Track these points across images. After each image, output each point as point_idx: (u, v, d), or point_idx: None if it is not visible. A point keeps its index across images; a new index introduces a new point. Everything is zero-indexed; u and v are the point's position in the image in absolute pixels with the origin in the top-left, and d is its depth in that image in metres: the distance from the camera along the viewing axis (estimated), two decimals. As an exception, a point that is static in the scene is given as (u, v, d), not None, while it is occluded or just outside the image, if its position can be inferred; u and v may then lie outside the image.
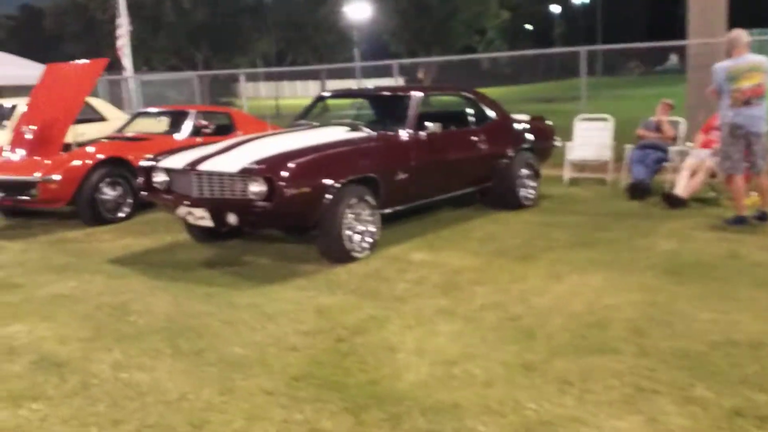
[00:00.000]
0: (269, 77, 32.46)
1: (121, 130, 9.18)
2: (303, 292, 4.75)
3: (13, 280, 5.40)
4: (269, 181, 5.03)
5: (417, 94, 6.44)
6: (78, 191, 7.19)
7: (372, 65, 18.90)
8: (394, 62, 12.17)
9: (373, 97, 7.20)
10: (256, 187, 5.07)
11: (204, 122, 9.22)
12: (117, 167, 7.53)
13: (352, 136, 6.04)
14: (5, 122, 9.84)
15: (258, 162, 5.18)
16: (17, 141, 7.78)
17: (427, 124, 6.23)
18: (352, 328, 4.03)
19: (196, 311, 4.44)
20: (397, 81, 14.31)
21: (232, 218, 5.26)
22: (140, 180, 5.93)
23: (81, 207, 7.29)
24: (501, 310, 4.22)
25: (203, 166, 5.35)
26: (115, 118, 10.49)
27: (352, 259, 5.46)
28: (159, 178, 5.78)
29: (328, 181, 5.23)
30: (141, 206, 7.73)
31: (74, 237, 6.88)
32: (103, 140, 8.28)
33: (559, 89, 22.15)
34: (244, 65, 35.28)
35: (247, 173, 5.12)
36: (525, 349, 3.60)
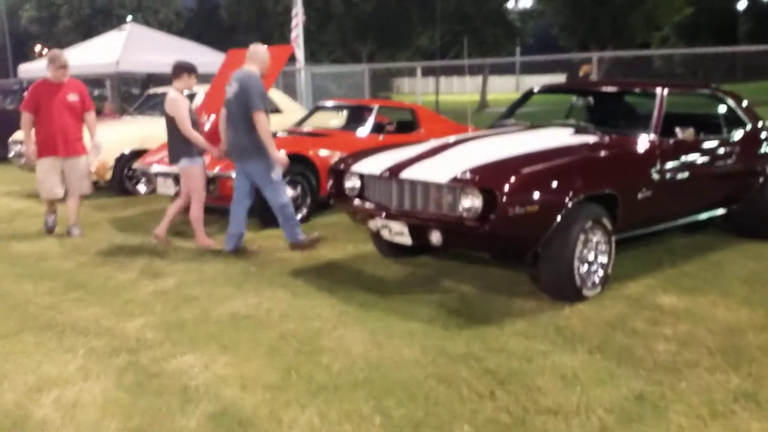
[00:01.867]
0: (426, 72, 31.80)
1: (299, 123, 8.64)
2: (531, 343, 3.72)
3: (188, 290, 4.83)
4: (488, 195, 4.04)
5: (663, 91, 5.16)
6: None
7: (533, 60, 17.37)
8: (557, 57, 10.77)
9: (601, 92, 5.99)
10: (470, 202, 4.10)
11: (386, 118, 8.50)
12: (296, 164, 6.89)
13: (581, 141, 4.91)
14: (186, 111, 9.65)
15: (473, 171, 4.21)
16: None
17: (677, 129, 4.96)
18: (617, 412, 2.94)
19: (402, 358, 3.53)
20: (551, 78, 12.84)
21: (435, 237, 4.33)
22: (329, 185, 5.18)
23: (259, 207, 6.70)
24: (835, 405, 2.94)
25: (407, 174, 4.45)
26: (289, 111, 10.04)
27: (581, 298, 4.36)
28: (351, 183, 4.98)
29: (560, 198, 4.14)
30: (319, 207, 7.10)
31: (250, 240, 6.30)
32: (280, 134, 7.72)
33: (744, 93, 19.33)
34: (403, 60, 34.80)
35: (459, 184, 4.17)
36: None
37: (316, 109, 8.91)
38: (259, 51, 5.63)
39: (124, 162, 8.84)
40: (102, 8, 35.17)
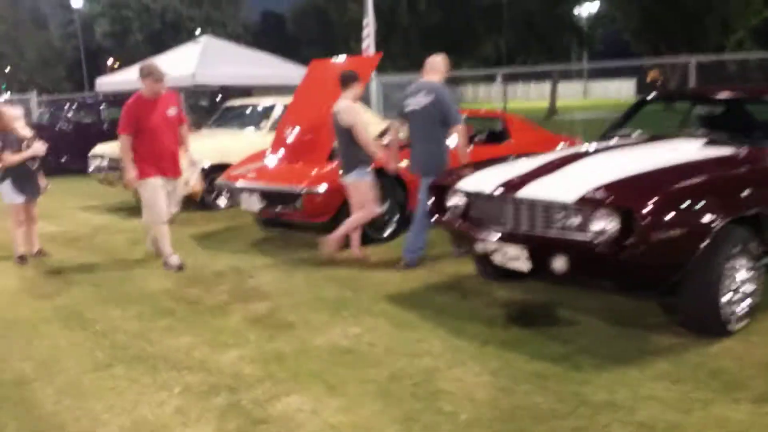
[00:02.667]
0: (488, 80, 31.19)
1: (382, 135, 8.28)
2: (682, 389, 3.20)
3: (283, 315, 4.49)
4: (625, 217, 3.55)
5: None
6: (344, 206, 6.27)
7: (601, 67, 16.42)
8: (628, 63, 10.08)
9: (723, 99, 5.40)
10: (604, 224, 3.61)
11: (470, 128, 8.05)
12: (383, 179, 6.51)
13: (716, 154, 4.35)
14: (263, 123, 9.45)
15: (605, 188, 3.72)
16: (279, 145, 7.11)
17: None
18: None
19: (537, 408, 3.08)
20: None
21: (558, 264, 3.84)
22: (429, 203, 4.77)
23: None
24: None
25: (525, 192, 3.99)
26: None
27: (726, 333, 3.81)
28: (455, 201, 4.56)
29: (707, 220, 3.61)
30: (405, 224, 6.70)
31: (340, 259, 5.95)
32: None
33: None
34: (465, 68, 34.27)
35: (589, 203, 3.69)
36: None
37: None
38: (438, 61, 5.48)
39: (205, 176, 8.65)
40: (172, 22, 35.95)
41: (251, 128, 9.54)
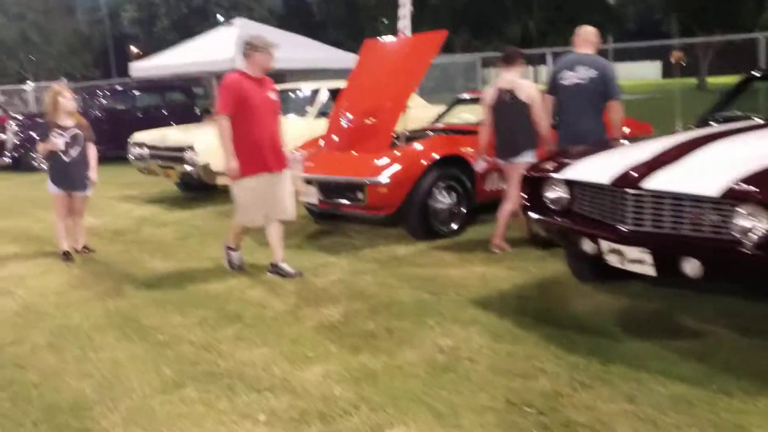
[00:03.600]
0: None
1: (438, 119, 7.76)
2: None
3: (360, 322, 4.02)
4: (779, 215, 3.00)
5: None
6: (408, 197, 5.77)
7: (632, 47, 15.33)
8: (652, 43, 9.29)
9: None
10: (754, 222, 3.07)
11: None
12: (451, 168, 6.00)
13: None
14: (308, 108, 8.95)
15: (755, 180, 3.17)
16: (335, 132, 6.61)
17: None
18: None
19: (700, 447, 2.57)
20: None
21: (690, 267, 3.29)
22: (523, 196, 4.24)
23: (411, 217, 5.87)
24: None
25: (652, 183, 3.44)
26: (415, 106, 9.16)
27: None
28: (556, 194, 4.02)
29: None
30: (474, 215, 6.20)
31: (406, 256, 5.46)
32: (429, 133, 6.86)
33: None
34: (491, 50, 33.47)
35: (739, 197, 3.13)
36: None
37: (457, 102, 7.99)
38: (591, 31, 5.22)
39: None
40: (198, 7, 35.52)
41: (294, 115, 9.06)
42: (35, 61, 34.41)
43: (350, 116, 6.54)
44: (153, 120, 12.52)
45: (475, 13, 34.13)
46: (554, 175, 4.02)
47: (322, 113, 8.79)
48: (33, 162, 12.96)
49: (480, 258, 5.25)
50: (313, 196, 6.10)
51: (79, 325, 4.21)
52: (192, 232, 6.54)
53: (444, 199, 5.92)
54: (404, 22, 16.09)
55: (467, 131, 6.58)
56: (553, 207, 4.05)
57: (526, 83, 5.33)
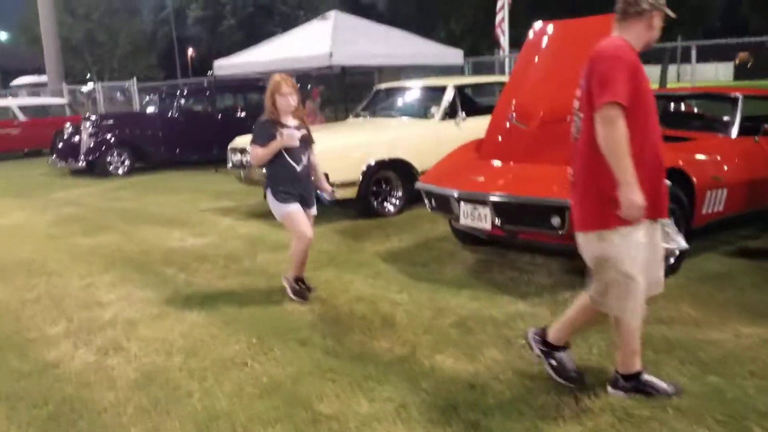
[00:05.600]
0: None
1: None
2: None
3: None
4: None
5: None
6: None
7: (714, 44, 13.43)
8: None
9: None
10: None
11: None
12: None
13: None
14: (433, 110, 7.69)
15: None
16: (501, 137, 5.31)
17: None
18: None
19: None
20: None
21: None
22: None
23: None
24: None
25: None
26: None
27: None
28: None
29: None
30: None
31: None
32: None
33: None
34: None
35: None
36: None
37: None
38: None
39: (372, 174, 6.99)
40: (264, 6, 34.79)
41: (417, 117, 7.83)
42: (100, 61, 34.16)
43: (517, 117, 5.22)
44: (233, 123, 11.57)
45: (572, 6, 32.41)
46: None
47: (447, 115, 7.59)
48: (108, 166, 12.10)
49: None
50: (484, 220, 4.80)
51: (229, 412, 2.99)
52: (322, 259, 5.32)
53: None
54: (502, 14, 14.84)
55: (675, 138, 5.20)
56: None
57: None
